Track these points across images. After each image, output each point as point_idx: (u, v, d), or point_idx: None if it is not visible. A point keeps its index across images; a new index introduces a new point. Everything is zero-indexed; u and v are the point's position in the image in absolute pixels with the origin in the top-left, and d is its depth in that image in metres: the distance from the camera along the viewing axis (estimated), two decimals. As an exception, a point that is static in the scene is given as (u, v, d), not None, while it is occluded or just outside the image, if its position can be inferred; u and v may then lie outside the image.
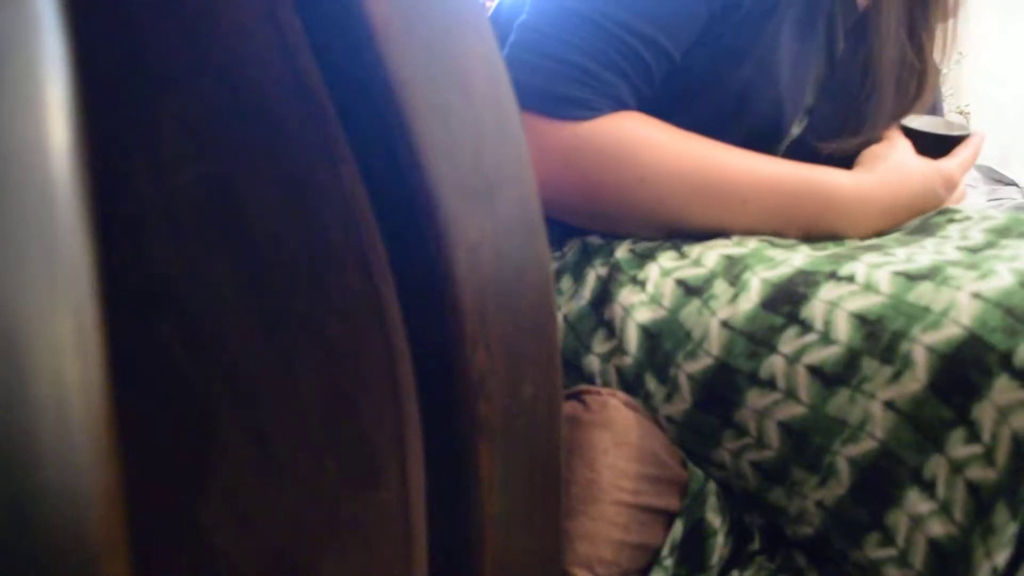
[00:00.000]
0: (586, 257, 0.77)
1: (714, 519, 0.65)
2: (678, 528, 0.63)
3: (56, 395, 0.14)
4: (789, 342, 0.61)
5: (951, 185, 0.87)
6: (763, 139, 0.83)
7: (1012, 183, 1.77)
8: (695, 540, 0.64)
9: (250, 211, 0.34)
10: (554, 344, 0.36)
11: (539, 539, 0.37)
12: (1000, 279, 0.57)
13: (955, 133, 0.91)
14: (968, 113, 3.12)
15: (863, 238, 0.82)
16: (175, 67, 0.34)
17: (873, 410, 0.58)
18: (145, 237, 0.38)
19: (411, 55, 0.29)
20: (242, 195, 0.34)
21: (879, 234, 0.84)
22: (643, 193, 0.74)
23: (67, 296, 0.15)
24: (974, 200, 1.67)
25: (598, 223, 0.77)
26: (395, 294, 0.32)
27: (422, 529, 0.34)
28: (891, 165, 0.85)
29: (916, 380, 0.56)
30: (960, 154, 0.89)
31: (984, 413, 0.54)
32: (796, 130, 0.88)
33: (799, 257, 0.67)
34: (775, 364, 0.61)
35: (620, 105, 0.75)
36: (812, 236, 0.79)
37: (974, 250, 0.68)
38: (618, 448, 0.61)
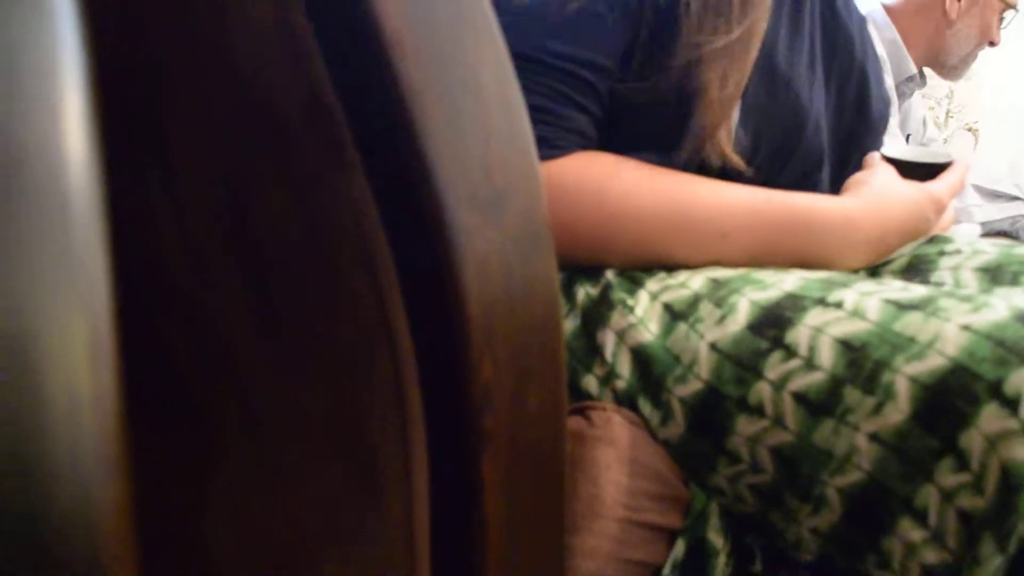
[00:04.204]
0: (575, 275, 0.76)
1: (716, 539, 0.65)
2: (680, 547, 0.63)
3: (69, 408, 0.14)
4: (774, 367, 0.61)
5: (940, 208, 0.86)
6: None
7: (1017, 198, 1.77)
8: (697, 559, 0.64)
9: (258, 217, 0.34)
10: (560, 357, 0.36)
11: (542, 554, 0.37)
12: (994, 312, 0.56)
13: (939, 160, 0.90)
14: (976, 130, 3.12)
15: (855, 270, 0.81)
16: (185, 71, 0.34)
17: (858, 442, 0.58)
18: (153, 242, 0.37)
19: (422, 63, 0.28)
20: (251, 200, 0.34)
21: (872, 272, 0.83)
22: (619, 232, 0.73)
23: (82, 305, 0.15)
24: (971, 227, 1.68)
25: (581, 258, 0.76)
26: (402, 303, 0.32)
27: (425, 540, 0.34)
28: (877, 189, 0.84)
29: (899, 411, 0.56)
30: (947, 178, 0.89)
31: (972, 441, 0.53)
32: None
33: (790, 280, 0.66)
34: (762, 391, 0.61)
35: (583, 138, 0.75)
36: (800, 267, 0.77)
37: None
38: (621, 464, 0.61)
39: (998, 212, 1.76)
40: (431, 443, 0.33)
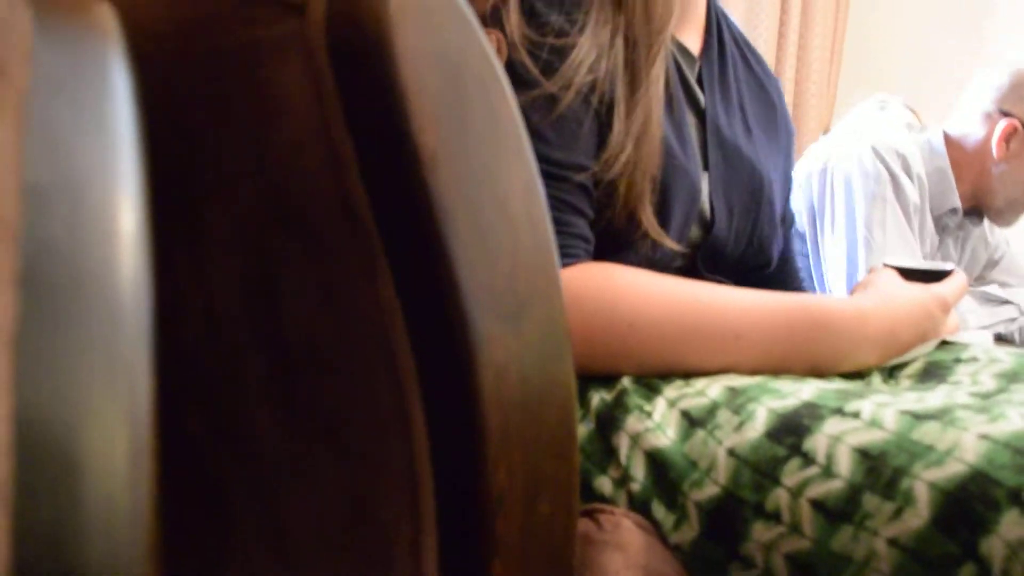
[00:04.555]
0: (589, 382, 0.77)
1: (722, 646, 0.64)
2: (685, 651, 0.62)
3: (107, 524, 0.15)
4: (792, 474, 0.61)
5: (945, 307, 0.87)
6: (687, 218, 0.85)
7: (1007, 301, 1.77)
8: (702, 664, 0.63)
9: (286, 317, 0.35)
10: (573, 463, 0.37)
11: (547, 659, 0.37)
12: (1010, 423, 0.57)
13: (940, 268, 0.93)
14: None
15: (868, 369, 0.81)
16: (226, 171, 0.35)
17: (877, 547, 0.57)
18: (183, 331, 0.39)
19: (455, 183, 0.30)
20: (279, 299, 0.35)
21: (890, 373, 0.84)
22: (635, 342, 0.74)
23: (125, 421, 0.16)
24: (983, 334, 1.68)
25: (596, 368, 0.76)
26: (421, 408, 0.33)
27: (433, 645, 0.34)
28: (883, 289, 0.86)
29: (918, 516, 0.56)
30: (950, 281, 0.90)
31: (993, 549, 0.53)
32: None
33: (808, 390, 0.67)
34: (779, 497, 0.61)
35: (586, 243, 0.77)
36: (815, 369, 0.78)
37: (986, 396, 0.68)
38: (629, 570, 0.60)
39: (990, 317, 1.76)
40: (443, 546, 0.34)
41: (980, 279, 1.98)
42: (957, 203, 1.82)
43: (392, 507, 0.34)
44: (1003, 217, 1.87)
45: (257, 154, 0.33)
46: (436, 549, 0.34)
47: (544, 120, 0.75)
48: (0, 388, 0.15)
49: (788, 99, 3.11)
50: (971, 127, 1.83)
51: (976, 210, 1.88)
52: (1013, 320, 1.76)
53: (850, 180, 1.73)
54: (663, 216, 0.81)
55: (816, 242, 1.80)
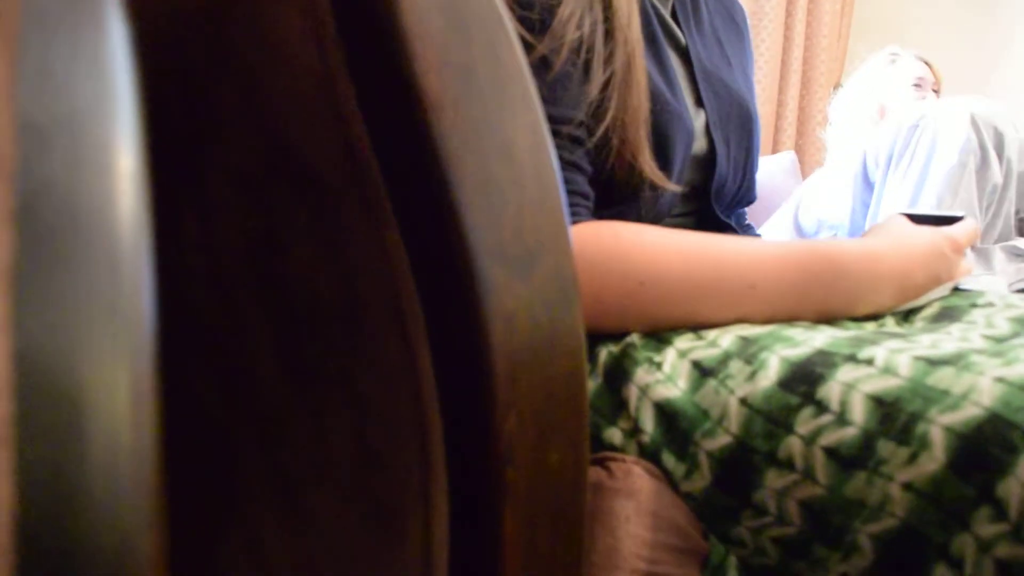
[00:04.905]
0: (598, 338, 0.77)
1: (734, 592, 0.65)
2: (696, 599, 0.63)
3: (110, 460, 0.15)
4: (805, 423, 0.61)
5: (958, 248, 0.87)
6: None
7: None
8: (713, 612, 0.64)
9: (291, 267, 0.34)
10: (583, 412, 0.36)
11: (558, 606, 0.37)
12: None
13: (951, 214, 0.93)
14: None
15: (883, 313, 0.81)
16: (227, 122, 0.35)
17: (892, 492, 0.57)
18: (188, 284, 0.38)
19: (460, 129, 0.29)
20: (284, 251, 0.35)
21: (905, 316, 0.84)
22: (647, 298, 0.73)
23: (127, 362, 0.16)
24: (997, 280, 1.67)
25: (607, 326, 0.75)
26: (429, 357, 0.33)
27: (444, 592, 0.34)
28: (894, 232, 0.86)
29: (934, 460, 0.56)
30: (961, 224, 0.90)
31: (1010, 490, 0.53)
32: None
33: (820, 338, 0.66)
34: (792, 445, 0.61)
35: (586, 199, 0.76)
36: (829, 314, 0.78)
37: (1000, 339, 0.68)
38: (640, 517, 0.61)
39: (1017, 273, 1.75)
40: (453, 495, 0.34)
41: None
42: None
43: (401, 457, 0.34)
44: None
45: (258, 103, 0.33)
46: (446, 498, 0.34)
47: (541, 80, 0.74)
48: None
49: (798, 53, 3.08)
50: None
51: None
52: None
53: (936, 139, 1.70)
54: (663, 162, 0.81)
55: (880, 193, 1.77)
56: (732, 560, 0.66)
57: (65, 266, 0.16)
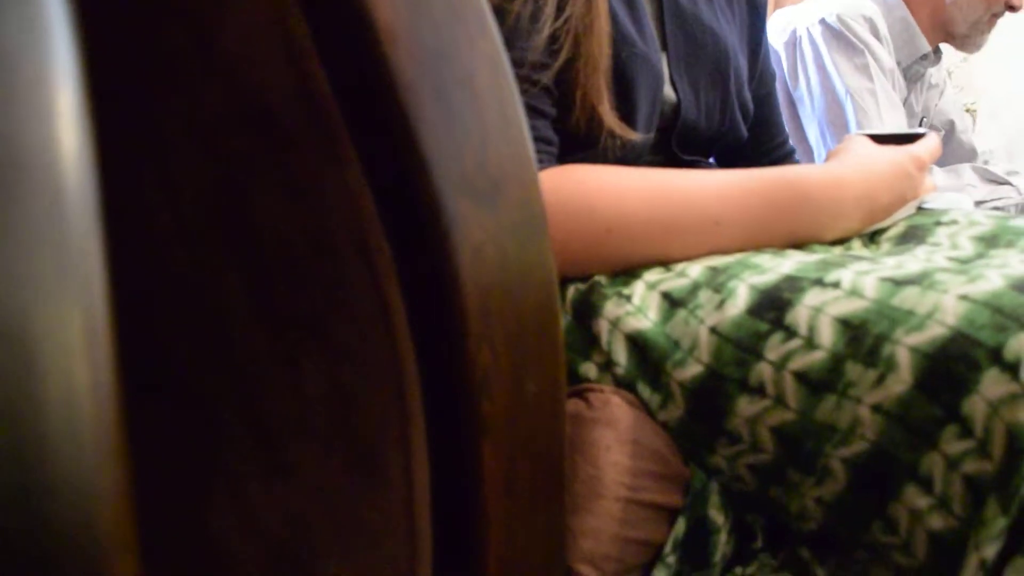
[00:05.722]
0: (562, 277, 0.76)
1: (717, 516, 0.66)
2: (680, 525, 0.64)
3: (66, 396, 0.15)
4: (774, 348, 0.61)
5: (921, 165, 0.87)
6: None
7: (1006, 182, 1.78)
8: (698, 537, 0.65)
9: (255, 213, 0.34)
10: (557, 342, 0.36)
11: (543, 535, 0.37)
12: (989, 283, 0.57)
13: (913, 132, 0.93)
14: (974, 110, 3.12)
15: (849, 237, 0.81)
16: (181, 70, 0.34)
17: (861, 414, 0.58)
18: (152, 236, 0.38)
19: (416, 58, 0.29)
20: (248, 197, 0.35)
21: (871, 238, 0.84)
22: (614, 243, 0.72)
23: (77, 298, 0.16)
24: (963, 197, 1.68)
25: (576, 271, 0.75)
26: (400, 294, 0.32)
27: (426, 527, 0.34)
28: (857, 153, 0.85)
29: (901, 382, 0.56)
30: (924, 141, 0.90)
31: (975, 408, 0.54)
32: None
33: (788, 264, 0.66)
34: (763, 371, 0.61)
35: (550, 145, 0.75)
36: (796, 241, 0.78)
37: (964, 260, 0.68)
38: (620, 445, 0.61)
39: (989, 194, 1.76)
40: (431, 431, 0.34)
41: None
42: (927, 47, 1.81)
43: (378, 399, 0.34)
44: (970, 41, 1.86)
45: (209, 45, 0.32)
46: (425, 437, 0.34)
47: (502, 26, 0.73)
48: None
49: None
50: None
51: (935, 50, 1.88)
52: (1011, 200, 1.76)
53: (818, 48, 1.70)
54: (628, 108, 0.80)
55: (794, 119, 1.78)
56: (714, 485, 0.67)
57: (8, 205, 0.16)
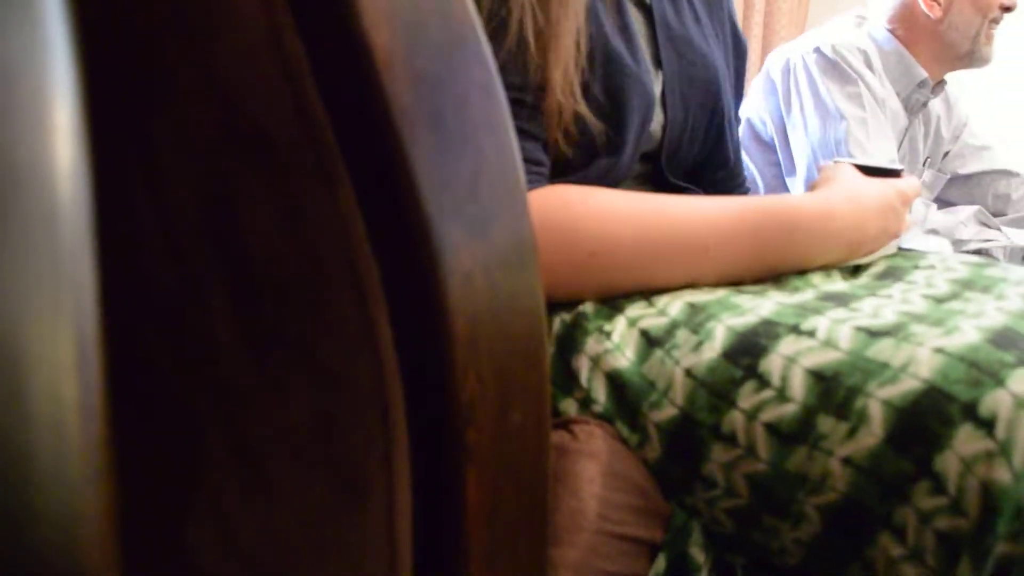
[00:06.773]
0: (550, 304, 0.75)
1: (698, 554, 0.65)
2: (661, 561, 0.63)
3: (55, 415, 0.15)
4: (747, 397, 0.61)
5: (905, 199, 0.87)
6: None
7: (997, 228, 1.80)
8: (678, 574, 0.64)
9: (246, 232, 0.34)
10: (544, 372, 0.36)
11: (524, 567, 0.37)
12: (964, 336, 0.57)
13: (894, 167, 0.94)
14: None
15: (833, 265, 0.82)
16: (175, 85, 0.34)
17: (832, 466, 0.58)
18: (141, 253, 0.38)
19: (412, 84, 0.29)
20: (239, 215, 0.34)
21: (852, 272, 0.84)
22: (599, 267, 0.72)
23: (70, 316, 0.16)
24: (941, 241, 1.71)
25: (559, 295, 0.74)
26: (388, 319, 0.32)
27: (407, 552, 0.34)
28: (845, 183, 0.85)
29: (872, 435, 0.56)
30: (907, 179, 0.91)
31: (948, 464, 0.53)
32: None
33: (767, 305, 0.66)
34: (735, 420, 0.61)
35: (538, 166, 0.74)
36: (780, 272, 0.78)
37: (940, 300, 0.68)
38: (604, 478, 0.61)
39: (978, 235, 1.78)
40: (415, 458, 0.33)
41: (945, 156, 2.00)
42: (923, 74, 1.83)
43: (363, 423, 0.34)
44: (977, 55, 1.88)
45: (205, 63, 0.32)
46: (408, 463, 0.34)
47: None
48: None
49: (759, 19, 3.08)
50: (893, 1, 1.85)
51: (940, 82, 1.90)
52: (998, 243, 1.78)
53: (812, 75, 1.73)
54: (619, 128, 0.79)
55: (787, 147, 1.79)
56: (695, 522, 0.66)
57: (3, 219, 0.15)
